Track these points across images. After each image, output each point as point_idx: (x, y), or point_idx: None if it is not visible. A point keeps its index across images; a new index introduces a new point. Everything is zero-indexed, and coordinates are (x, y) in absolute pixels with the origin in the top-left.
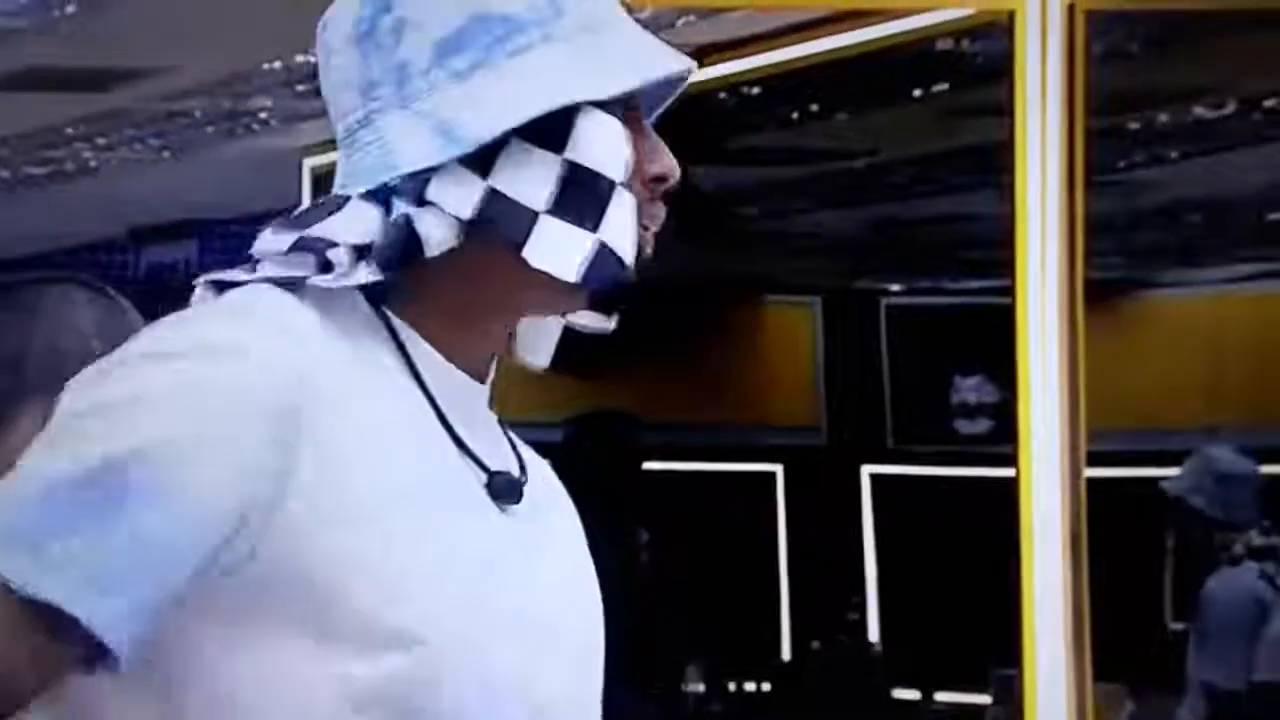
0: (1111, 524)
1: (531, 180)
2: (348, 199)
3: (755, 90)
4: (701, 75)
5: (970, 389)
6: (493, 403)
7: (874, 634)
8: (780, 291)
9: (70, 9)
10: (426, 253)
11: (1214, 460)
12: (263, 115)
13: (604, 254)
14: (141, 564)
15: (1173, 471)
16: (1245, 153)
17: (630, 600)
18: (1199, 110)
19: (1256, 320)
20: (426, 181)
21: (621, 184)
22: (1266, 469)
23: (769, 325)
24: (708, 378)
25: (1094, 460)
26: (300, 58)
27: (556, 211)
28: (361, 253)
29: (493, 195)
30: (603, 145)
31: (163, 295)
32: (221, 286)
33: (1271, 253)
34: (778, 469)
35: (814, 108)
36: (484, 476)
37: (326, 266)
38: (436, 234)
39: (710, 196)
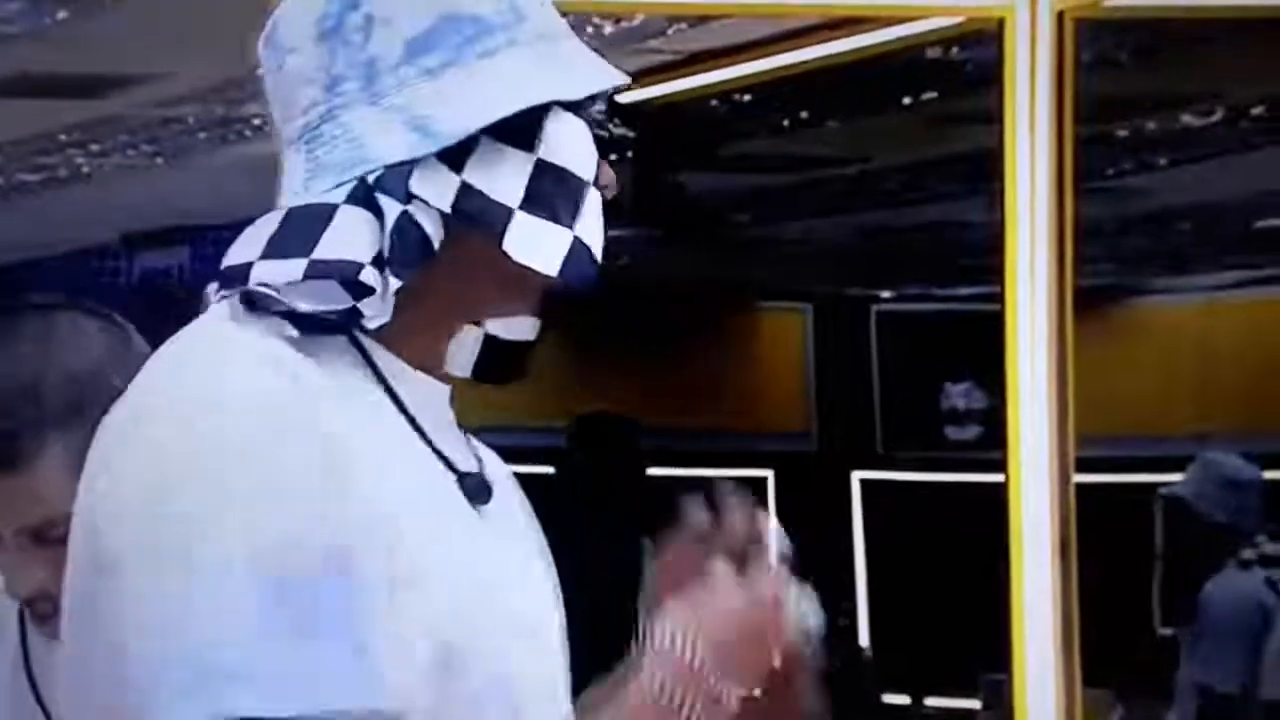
0: (1101, 529)
1: (504, 176)
2: (333, 207)
3: (746, 97)
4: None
5: (960, 395)
6: (453, 401)
7: (864, 639)
8: (771, 298)
9: (63, 15)
10: (434, 249)
11: (1219, 465)
12: (256, 122)
13: (580, 250)
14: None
15: (1162, 477)
16: (1233, 160)
17: (628, 606)
18: (1187, 118)
19: (1245, 326)
20: (409, 177)
21: (590, 184)
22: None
23: (760, 331)
24: (699, 383)
25: (1083, 466)
26: None
27: (531, 208)
28: (378, 264)
29: (467, 190)
30: (572, 145)
31: (156, 301)
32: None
33: (1259, 259)
34: (769, 474)
35: (805, 115)
36: (453, 478)
37: (361, 290)
38: (431, 230)
39: (702, 203)
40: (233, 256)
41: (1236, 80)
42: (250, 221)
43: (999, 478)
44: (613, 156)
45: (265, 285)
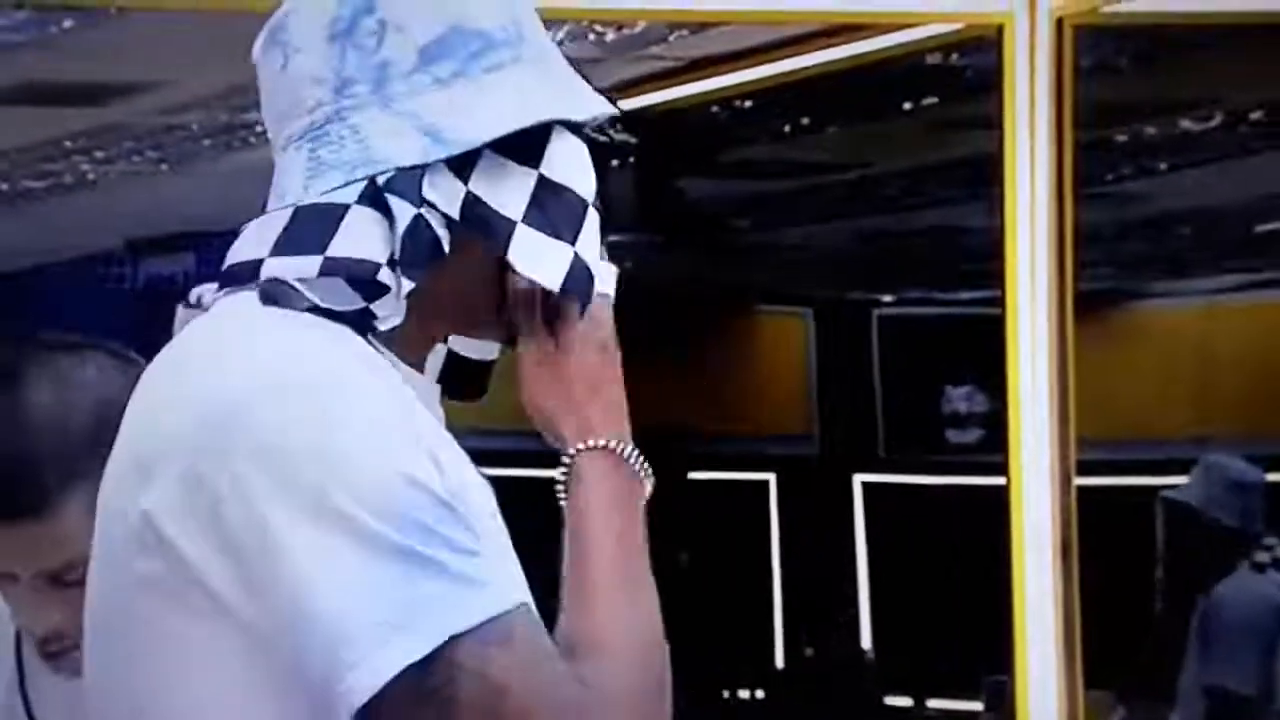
0: (1102, 532)
1: (508, 190)
2: (345, 206)
3: (747, 104)
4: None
5: (961, 399)
6: (442, 402)
7: (866, 641)
8: (773, 303)
9: (68, 24)
10: (444, 253)
11: (1225, 469)
12: (260, 128)
13: (580, 267)
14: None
15: (1162, 480)
16: (1232, 165)
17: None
18: (1186, 123)
19: (1244, 330)
20: (420, 181)
21: (590, 204)
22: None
23: (762, 336)
24: (701, 388)
25: (1084, 469)
26: None
27: (533, 222)
28: (390, 264)
29: (473, 200)
30: (575, 165)
31: (160, 307)
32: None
33: (1259, 263)
34: (770, 478)
35: (805, 121)
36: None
37: (377, 290)
38: (441, 235)
39: (703, 208)
40: (237, 254)
41: (1235, 85)
42: None
43: (1000, 480)
44: (614, 163)
45: (280, 281)
